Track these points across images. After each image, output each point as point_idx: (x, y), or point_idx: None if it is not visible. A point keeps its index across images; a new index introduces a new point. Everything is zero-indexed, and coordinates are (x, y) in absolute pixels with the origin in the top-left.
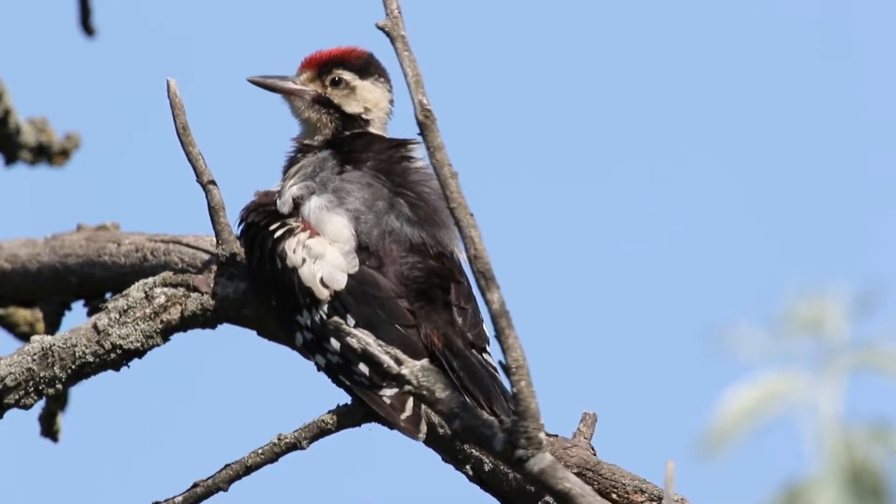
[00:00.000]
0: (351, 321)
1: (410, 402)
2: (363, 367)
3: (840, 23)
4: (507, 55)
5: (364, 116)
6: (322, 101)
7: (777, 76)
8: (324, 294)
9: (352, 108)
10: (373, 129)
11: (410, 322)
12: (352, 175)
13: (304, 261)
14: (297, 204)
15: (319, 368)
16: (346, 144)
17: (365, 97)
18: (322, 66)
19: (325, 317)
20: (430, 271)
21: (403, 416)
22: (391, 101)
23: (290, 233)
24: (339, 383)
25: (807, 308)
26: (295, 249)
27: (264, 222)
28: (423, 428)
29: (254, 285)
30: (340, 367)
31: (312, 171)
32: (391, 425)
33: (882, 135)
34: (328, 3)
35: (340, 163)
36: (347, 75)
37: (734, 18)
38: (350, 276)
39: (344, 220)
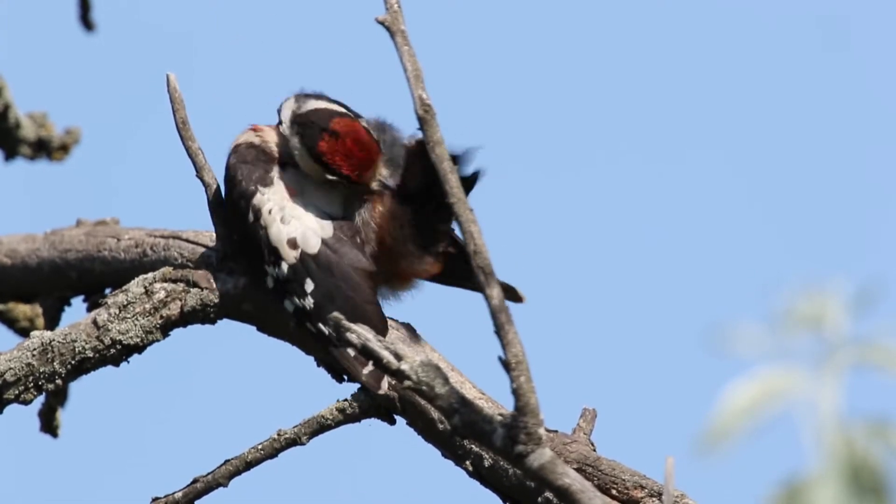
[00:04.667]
0: (310, 286)
1: None
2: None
3: (841, 19)
4: (507, 50)
5: None
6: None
7: (777, 73)
8: (290, 256)
9: None
10: None
11: (371, 299)
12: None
13: (275, 220)
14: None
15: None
16: None
17: None
18: None
19: (284, 275)
20: None
21: (366, 370)
22: None
23: (270, 188)
24: (306, 332)
25: (807, 304)
26: (271, 210)
27: (247, 173)
28: (385, 385)
29: (224, 229)
30: (309, 315)
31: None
32: (352, 378)
33: (883, 133)
34: None
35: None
36: None
37: (734, 13)
38: (323, 241)
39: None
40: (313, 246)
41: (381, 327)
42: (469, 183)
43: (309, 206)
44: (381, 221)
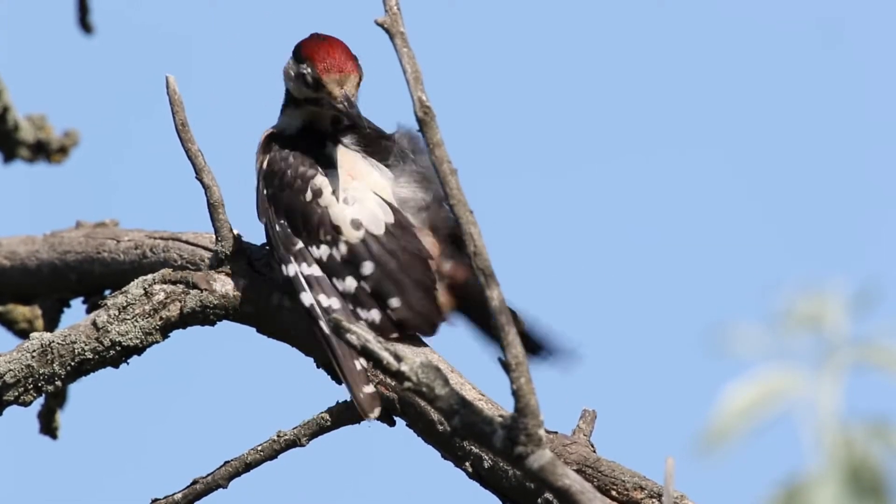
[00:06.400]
0: (368, 268)
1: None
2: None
3: (840, 19)
4: (507, 51)
5: None
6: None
7: (777, 72)
8: (353, 236)
9: None
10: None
11: (432, 284)
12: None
13: (338, 200)
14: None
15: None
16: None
17: None
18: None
19: (342, 256)
20: None
21: (366, 389)
22: None
23: (330, 170)
24: (317, 333)
25: (806, 305)
26: (334, 190)
27: (301, 158)
28: (377, 412)
29: (259, 207)
30: (327, 314)
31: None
32: (350, 391)
33: (883, 132)
34: None
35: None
36: None
37: (733, 13)
38: (386, 224)
39: (387, 176)
40: (378, 227)
41: (436, 315)
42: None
43: (367, 192)
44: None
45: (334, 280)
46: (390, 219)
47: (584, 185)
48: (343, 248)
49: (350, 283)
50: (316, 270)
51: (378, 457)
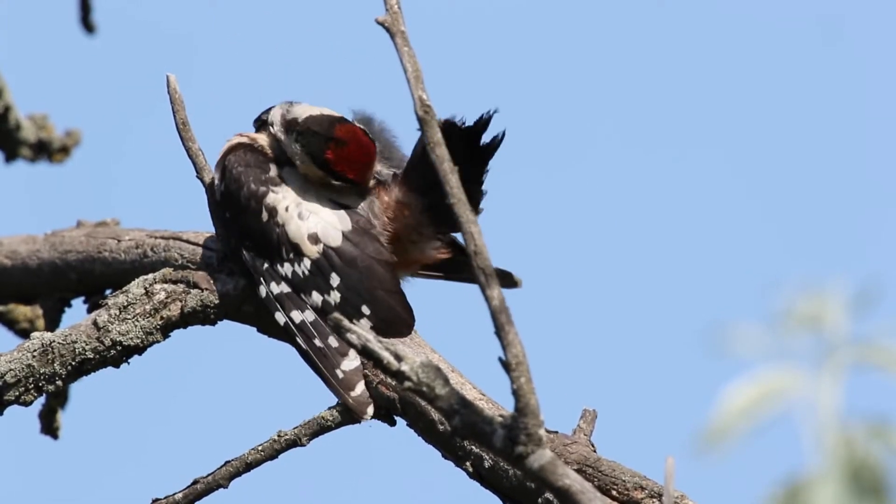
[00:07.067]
0: (336, 280)
1: (362, 384)
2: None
3: (840, 18)
4: (507, 50)
5: None
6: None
7: (776, 72)
8: (312, 251)
9: None
10: None
11: (395, 289)
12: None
13: (293, 217)
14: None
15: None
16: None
17: None
18: None
19: (307, 272)
20: None
21: (353, 394)
22: None
23: (280, 186)
24: (296, 346)
25: (806, 304)
26: (288, 207)
27: (253, 175)
28: (370, 411)
29: (224, 231)
30: (301, 330)
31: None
32: (339, 397)
33: (882, 132)
34: None
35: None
36: None
37: (733, 12)
38: (343, 234)
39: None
40: (335, 239)
41: (406, 317)
42: (490, 149)
43: (323, 200)
44: (390, 213)
45: (302, 295)
46: (347, 225)
47: (584, 183)
48: (306, 264)
49: (316, 298)
50: (285, 288)
51: (378, 457)
